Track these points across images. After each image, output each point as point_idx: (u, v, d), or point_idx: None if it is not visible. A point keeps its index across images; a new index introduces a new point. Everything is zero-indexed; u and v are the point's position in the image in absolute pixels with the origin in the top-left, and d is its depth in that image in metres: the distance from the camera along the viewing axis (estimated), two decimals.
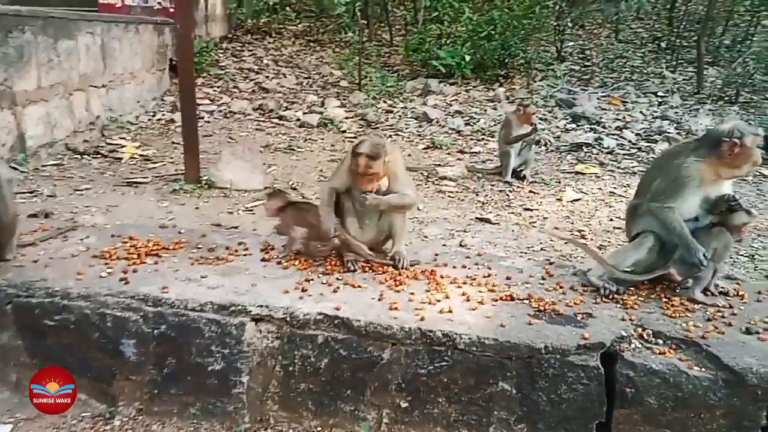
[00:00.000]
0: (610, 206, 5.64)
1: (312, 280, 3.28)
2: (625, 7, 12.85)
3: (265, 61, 12.20)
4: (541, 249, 4.53)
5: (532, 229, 4.96)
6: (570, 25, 13.78)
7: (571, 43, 13.73)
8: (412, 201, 3.57)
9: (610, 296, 3.16)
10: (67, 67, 6.91)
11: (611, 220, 5.28)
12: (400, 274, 3.37)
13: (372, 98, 9.92)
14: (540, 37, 12.51)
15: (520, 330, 2.81)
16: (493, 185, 6.22)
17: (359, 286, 3.23)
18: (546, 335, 2.77)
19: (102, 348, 3.04)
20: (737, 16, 14.12)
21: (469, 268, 3.53)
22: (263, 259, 3.54)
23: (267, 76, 11.32)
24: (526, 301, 3.10)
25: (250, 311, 2.97)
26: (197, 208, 5.12)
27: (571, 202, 5.69)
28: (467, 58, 11.05)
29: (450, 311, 2.96)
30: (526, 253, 4.42)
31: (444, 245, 4.48)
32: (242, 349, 2.93)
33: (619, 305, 3.11)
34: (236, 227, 4.73)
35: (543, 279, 3.42)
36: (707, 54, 12.61)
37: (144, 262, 3.44)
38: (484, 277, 3.41)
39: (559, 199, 5.77)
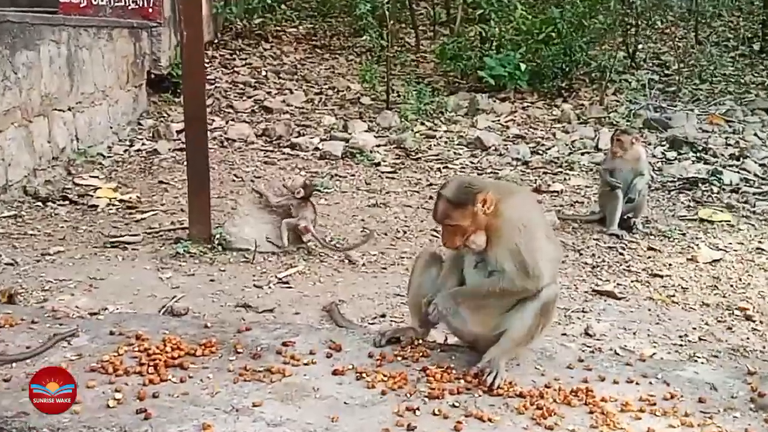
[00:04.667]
0: (766, 270, 5.09)
1: (417, 408, 2.72)
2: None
3: (264, 73, 11.79)
4: (700, 339, 3.98)
5: (674, 307, 4.41)
6: (641, 24, 13.40)
7: (641, 47, 13.35)
8: (507, 287, 2.96)
9: None
10: (26, 86, 6.43)
11: None
12: (542, 397, 2.81)
13: (407, 120, 9.44)
14: (609, 39, 12.12)
15: None
16: (596, 239, 5.68)
17: (489, 420, 2.66)
18: None
19: None
20: None
21: (637, 384, 2.96)
22: (336, 372, 2.99)
23: (269, 92, 10.88)
24: None
25: None
26: (212, 280, 4.58)
27: (710, 263, 5.15)
28: (522, 67, 10.62)
29: None
30: (683, 345, 3.86)
31: (564, 334, 3.93)
32: None
33: None
34: (271, 310, 4.18)
35: (751, 401, 2.85)
36: None
37: (165, 380, 2.91)
38: (666, 399, 2.85)
39: (692, 259, 5.24)
